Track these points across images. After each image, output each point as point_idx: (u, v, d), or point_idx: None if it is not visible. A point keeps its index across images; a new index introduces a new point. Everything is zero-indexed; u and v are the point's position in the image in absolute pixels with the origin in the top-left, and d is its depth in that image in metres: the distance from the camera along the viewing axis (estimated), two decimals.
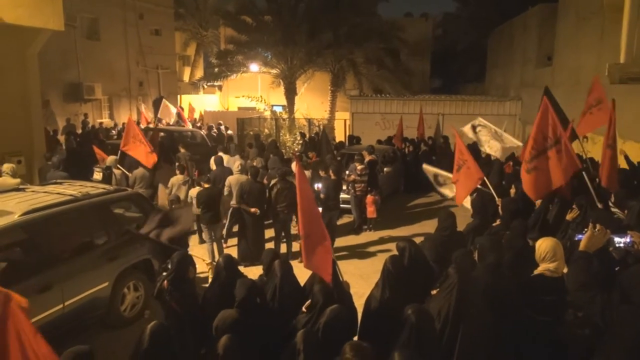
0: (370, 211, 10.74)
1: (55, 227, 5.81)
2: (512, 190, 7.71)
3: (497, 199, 7.11)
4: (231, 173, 9.80)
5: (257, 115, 21.70)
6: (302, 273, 4.89)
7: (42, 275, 5.34)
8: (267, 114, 21.35)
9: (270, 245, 8.71)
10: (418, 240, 5.38)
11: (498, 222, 6.52)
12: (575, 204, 6.05)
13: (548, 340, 3.72)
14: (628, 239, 4.12)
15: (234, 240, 9.60)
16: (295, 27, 20.16)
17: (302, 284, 4.90)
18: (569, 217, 6.01)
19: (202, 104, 27.88)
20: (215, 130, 20.12)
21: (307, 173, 10.01)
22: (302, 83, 22.46)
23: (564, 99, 10.02)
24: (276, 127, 19.46)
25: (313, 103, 23.80)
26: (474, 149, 10.77)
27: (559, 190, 7.05)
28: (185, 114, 22.71)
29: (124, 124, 20.01)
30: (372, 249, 9.75)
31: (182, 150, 12.44)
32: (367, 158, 11.54)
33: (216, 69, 23.02)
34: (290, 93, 21.76)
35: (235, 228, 9.52)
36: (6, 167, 8.04)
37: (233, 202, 9.03)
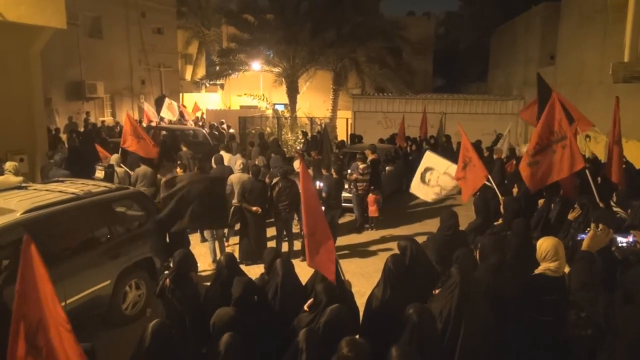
0: (372, 210, 10.73)
1: (57, 225, 5.82)
2: (515, 190, 7.70)
3: (500, 197, 7.09)
4: (231, 172, 9.79)
5: (259, 114, 21.71)
6: (303, 272, 4.88)
7: None
8: (269, 112, 21.36)
9: (271, 244, 8.71)
10: (420, 239, 5.37)
11: (500, 221, 6.51)
12: (578, 204, 6.03)
13: (550, 340, 3.71)
14: (631, 239, 4.11)
15: (235, 239, 9.60)
16: (297, 26, 20.14)
17: (303, 282, 4.90)
18: (571, 216, 5.99)
19: (204, 102, 27.90)
20: (217, 129, 20.16)
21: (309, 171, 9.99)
22: (304, 82, 22.44)
23: (567, 97, 10.00)
24: (278, 126, 19.47)
25: (315, 102, 23.80)
26: (477, 147, 10.75)
27: (563, 189, 7.06)
28: (190, 111, 22.77)
29: None
30: (373, 247, 9.74)
31: (184, 149, 12.44)
32: (370, 157, 11.53)
33: (218, 68, 23.02)
34: (293, 91, 21.74)
35: (237, 226, 9.52)
36: (8, 165, 8.05)
37: (235, 200, 9.03)
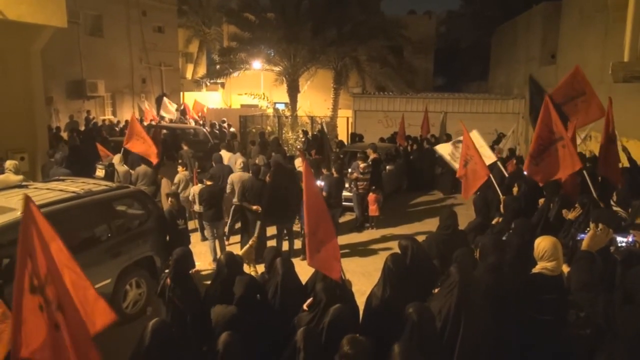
0: (373, 209, 10.73)
1: (58, 224, 5.77)
2: (515, 189, 7.69)
3: (501, 196, 7.09)
4: (230, 171, 9.79)
5: (259, 113, 21.70)
6: (303, 271, 4.89)
7: None
8: (270, 111, 21.35)
9: (272, 242, 8.71)
10: (420, 238, 5.37)
11: (499, 220, 6.51)
12: (578, 203, 6.03)
13: (549, 339, 3.71)
14: (630, 239, 4.10)
15: (236, 238, 9.61)
16: (298, 25, 20.13)
17: (303, 281, 4.90)
18: (571, 215, 5.99)
19: (205, 101, 27.91)
20: (217, 127, 20.16)
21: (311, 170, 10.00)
22: (304, 80, 22.43)
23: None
24: (279, 125, 19.46)
25: (316, 101, 23.79)
26: None
27: (564, 188, 7.07)
28: (192, 111, 22.83)
29: (127, 121, 20.08)
30: (374, 246, 9.75)
31: (185, 148, 12.45)
32: (372, 156, 11.53)
33: (219, 66, 23.02)
34: (293, 90, 21.74)
35: (238, 225, 9.53)
36: (9, 164, 8.06)
37: (235, 200, 9.03)
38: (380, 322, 3.95)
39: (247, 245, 6.26)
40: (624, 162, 8.72)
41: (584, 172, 6.96)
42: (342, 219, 10.93)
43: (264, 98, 21.43)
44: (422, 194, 14.18)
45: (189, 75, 32.13)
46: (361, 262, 8.79)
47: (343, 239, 9.86)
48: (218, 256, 8.01)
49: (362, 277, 7.77)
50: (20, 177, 7.52)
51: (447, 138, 16.14)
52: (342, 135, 20.28)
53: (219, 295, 4.48)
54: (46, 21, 10.31)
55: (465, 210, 8.91)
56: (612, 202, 6.82)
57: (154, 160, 9.97)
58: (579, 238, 4.71)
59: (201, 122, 22.36)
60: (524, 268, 4.18)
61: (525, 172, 8.93)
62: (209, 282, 5.72)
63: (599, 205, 6.16)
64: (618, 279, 3.84)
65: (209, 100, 28.76)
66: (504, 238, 5.41)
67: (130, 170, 10.17)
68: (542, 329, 3.72)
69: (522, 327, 3.76)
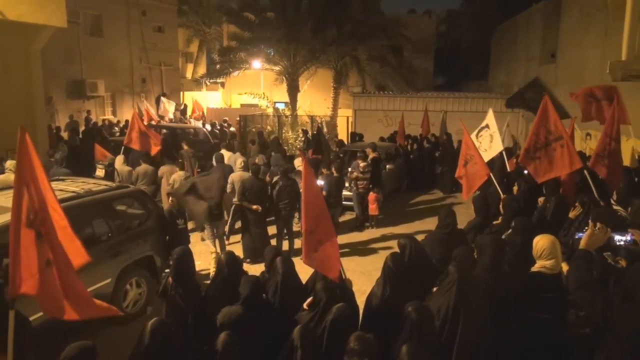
0: (372, 208, 10.74)
1: None
2: (515, 188, 7.69)
3: (501, 195, 7.09)
4: (231, 170, 9.79)
5: (259, 112, 21.70)
6: (304, 270, 4.89)
7: None
8: (270, 111, 21.35)
9: (272, 242, 8.72)
10: (420, 237, 5.38)
11: (500, 220, 6.51)
12: (578, 202, 6.04)
13: (549, 338, 3.72)
14: (629, 237, 4.10)
15: (236, 237, 9.62)
16: (298, 24, 20.13)
17: (304, 281, 4.91)
18: (571, 214, 6.00)
19: (205, 101, 27.91)
20: (218, 127, 20.17)
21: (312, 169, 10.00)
22: (304, 80, 22.42)
23: (568, 96, 9.98)
24: (279, 124, 19.46)
25: (316, 100, 23.79)
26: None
27: (563, 188, 7.08)
28: (192, 111, 22.87)
29: (127, 120, 20.08)
30: (374, 246, 9.76)
31: (185, 147, 12.45)
32: (371, 155, 11.54)
33: (219, 66, 23.01)
34: (293, 90, 21.73)
35: (238, 225, 9.54)
36: (9, 164, 8.07)
37: (235, 199, 9.04)
38: (380, 321, 3.95)
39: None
40: (625, 162, 8.72)
41: (584, 171, 6.96)
42: (342, 218, 10.94)
43: (264, 97, 21.43)
44: (422, 193, 14.19)
45: (189, 75, 32.13)
46: (361, 262, 8.79)
47: (343, 238, 9.87)
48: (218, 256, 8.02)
49: (362, 276, 7.77)
50: None
51: (447, 137, 16.18)
52: (342, 134, 20.27)
53: (220, 294, 4.49)
54: (46, 21, 10.32)
55: (465, 209, 8.91)
56: (612, 201, 6.82)
57: (154, 150, 10.10)
58: (576, 237, 4.71)
59: (201, 121, 22.36)
60: (523, 267, 4.19)
61: (526, 171, 8.97)
62: (208, 282, 5.73)
63: (599, 204, 6.16)
64: (618, 278, 3.84)
65: (208, 100, 28.77)
66: (503, 237, 5.42)
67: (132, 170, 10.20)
68: (541, 328, 3.72)
69: (522, 326, 3.77)
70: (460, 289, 3.55)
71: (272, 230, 9.11)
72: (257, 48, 21.38)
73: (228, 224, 9.63)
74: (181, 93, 27.80)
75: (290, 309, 4.35)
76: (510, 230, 5.47)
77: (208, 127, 20.54)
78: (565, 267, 4.12)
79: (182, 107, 24.96)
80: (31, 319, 4.33)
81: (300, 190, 8.59)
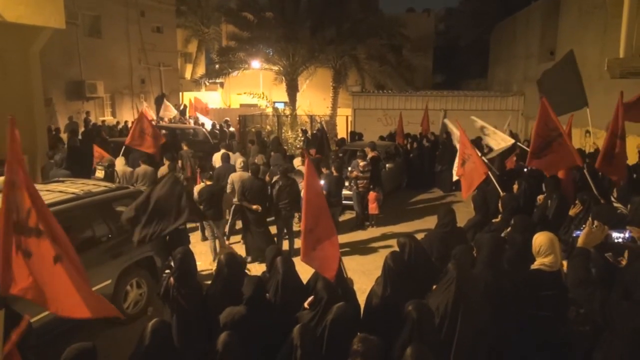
0: (372, 207, 10.74)
1: None
2: (515, 187, 7.69)
3: (501, 193, 7.09)
4: (233, 170, 9.80)
5: (259, 112, 21.70)
6: (304, 270, 4.89)
7: None
8: (269, 110, 21.35)
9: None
10: (420, 236, 5.38)
11: (499, 218, 6.51)
12: (578, 199, 6.04)
13: (549, 336, 3.72)
14: (627, 234, 4.09)
15: (236, 237, 9.63)
16: (297, 24, 20.13)
17: (304, 280, 4.91)
18: (572, 212, 6.00)
19: (205, 101, 27.91)
20: (217, 127, 20.15)
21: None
22: (304, 79, 22.43)
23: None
24: (278, 124, 19.46)
25: (315, 99, 23.78)
26: (477, 144, 10.73)
27: (562, 186, 7.09)
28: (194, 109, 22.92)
29: (126, 121, 20.08)
30: (374, 245, 9.76)
31: (185, 148, 12.44)
32: (370, 154, 11.54)
33: (218, 66, 23.01)
34: (292, 89, 21.74)
35: (239, 225, 9.54)
36: None
37: (235, 199, 9.04)
38: (381, 319, 3.95)
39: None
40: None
41: (584, 169, 6.97)
42: (342, 218, 10.94)
43: (263, 97, 21.43)
44: (421, 191, 14.18)
45: (188, 75, 32.13)
46: (361, 261, 8.80)
47: (343, 238, 9.87)
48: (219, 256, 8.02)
49: (363, 275, 7.77)
50: None
51: (447, 136, 16.16)
52: (342, 133, 20.28)
53: (220, 295, 4.49)
54: (44, 22, 10.31)
55: (465, 208, 8.91)
56: (612, 199, 6.82)
57: (152, 150, 10.13)
58: (574, 235, 4.71)
59: (201, 121, 22.34)
60: (523, 265, 4.19)
61: (526, 169, 8.99)
62: (209, 282, 5.73)
63: (599, 202, 6.16)
64: (616, 275, 3.84)
65: (208, 100, 28.76)
66: (502, 235, 5.42)
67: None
68: (541, 326, 3.72)
69: (521, 324, 3.77)
70: (459, 286, 3.55)
71: (272, 230, 9.11)
72: (256, 48, 21.39)
73: (228, 224, 9.63)
74: (180, 93, 27.79)
75: (291, 309, 4.35)
76: (509, 229, 5.47)
77: (207, 123, 20.54)
78: (565, 265, 4.12)
79: (182, 107, 24.94)
80: (32, 320, 4.33)
81: (301, 190, 8.64)
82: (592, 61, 13.16)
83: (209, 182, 8.70)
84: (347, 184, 10.58)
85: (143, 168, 9.93)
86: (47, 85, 15.70)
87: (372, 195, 10.68)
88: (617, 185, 7.19)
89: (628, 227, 4.37)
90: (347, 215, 11.33)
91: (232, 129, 20.45)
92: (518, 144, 8.75)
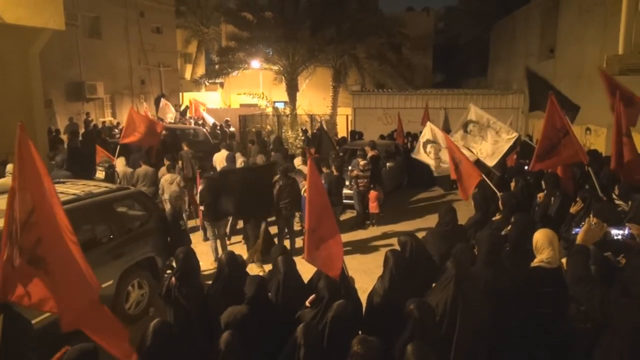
0: (373, 206, 10.74)
1: None
2: (512, 184, 7.69)
3: (498, 194, 7.09)
4: None
5: (259, 112, 21.71)
6: (305, 269, 4.89)
7: None
8: (269, 110, 21.34)
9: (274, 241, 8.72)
10: (421, 234, 5.37)
11: (498, 216, 6.50)
12: (579, 197, 6.03)
13: (549, 333, 3.71)
14: (626, 231, 4.08)
15: (237, 237, 9.63)
16: (297, 23, 20.14)
17: (305, 280, 4.91)
18: (573, 210, 6.00)
19: (204, 101, 27.90)
20: (218, 127, 20.14)
21: (305, 168, 10.00)
22: (303, 79, 22.43)
23: (567, 91, 9.96)
24: (278, 124, 19.46)
25: (315, 99, 23.78)
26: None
27: (562, 183, 7.08)
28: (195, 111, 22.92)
29: None
30: (375, 244, 9.76)
31: (185, 148, 12.45)
32: (370, 153, 11.54)
33: (217, 66, 23.01)
34: (292, 89, 21.74)
35: (240, 225, 9.54)
36: (10, 167, 8.06)
37: None
38: (382, 318, 3.96)
39: (252, 249, 6.27)
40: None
41: (588, 167, 6.94)
42: (343, 217, 10.93)
43: (263, 97, 21.42)
44: (422, 190, 14.18)
45: (187, 76, 32.12)
46: (363, 259, 8.80)
47: (344, 237, 9.82)
48: (219, 255, 8.03)
49: (364, 274, 7.77)
50: None
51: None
52: (342, 133, 20.27)
53: (221, 294, 4.49)
54: (44, 24, 10.31)
55: (466, 206, 8.89)
56: (614, 196, 6.81)
57: (150, 144, 10.18)
58: (573, 232, 4.70)
59: (201, 122, 22.35)
60: (523, 262, 4.19)
61: (526, 167, 8.98)
62: (210, 282, 5.73)
63: (600, 199, 6.15)
64: (616, 272, 3.83)
65: (208, 101, 28.77)
66: (502, 233, 5.42)
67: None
68: (541, 323, 3.72)
69: (521, 321, 3.77)
70: (458, 284, 3.56)
71: (273, 230, 9.11)
72: (256, 48, 21.40)
73: (229, 224, 9.63)
74: (180, 94, 27.78)
75: (292, 308, 4.36)
76: (510, 227, 5.46)
77: (207, 128, 20.52)
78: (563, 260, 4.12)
79: (183, 108, 24.93)
80: (33, 322, 4.34)
81: (301, 189, 8.64)
82: (592, 59, 13.15)
83: None
84: (347, 183, 10.58)
85: (144, 169, 9.94)
86: (47, 86, 15.71)
87: (372, 194, 10.69)
88: (618, 182, 7.17)
89: (627, 224, 4.37)
90: (348, 215, 11.33)
91: (232, 129, 20.45)
92: (526, 140, 8.61)
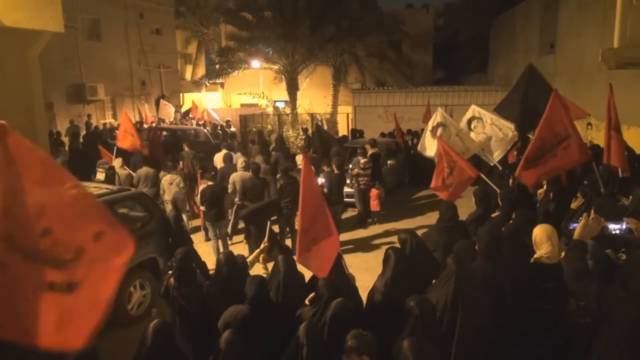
0: (374, 204, 10.73)
1: None
2: (510, 180, 7.68)
3: (497, 190, 7.08)
4: (235, 170, 9.80)
5: (259, 112, 21.71)
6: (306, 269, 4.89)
7: None
8: (270, 110, 21.35)
9: None
10: (422, 232, 5.37)
11: (497, 213, 6.50)
12: (580, 192, 6.03)
13: (549, 328, 3.71)
14: (624, 226, 4.08)
15: (239, 237, 9.63)
16: (296, 22, 20.09)
17: (306, 279, 4.91)
18: (574, 205, 5.99)
19: (205, 101, 27.91)
20: (219, 128, 20.15)
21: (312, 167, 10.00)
22: (304, 78, 22.39)
23: (567, 86, 9.96)
24: (279, 123, 19.46)
25: (315, 98, 23.76)
26: None
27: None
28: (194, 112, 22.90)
29: None
30: (376, 242, 9.77)
31: (186, 149, 12.46)
32: (370, 151, 11.53)
33: (218, 66, 22.98)
34: (292, 88, 21.71)
35: (241, 225, 9.54)
36: None
37: (237, 199, 9.05)
38: (382, 315, 3.96)
39: (258, 250, 6.24)
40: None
41: (592, 162, 6.90)
42: (344, 215, 10.94)
43: (263, 97, 21.42)
44: (423, 188, 14.10)
45: (188, 76, 32.12)
46: (364, 258, 8.80)
47: (346, 235, 9.88)
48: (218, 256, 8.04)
49: (366, 272, 7.75)
50: None
51: None
52: (343, 131, 20.26)
53: (220, 294, 4.50)
54: (43, 26, 10.29)
55: (467, 203, 8.87)
56: (614, 191, 6.81)
57: (144, 150, 10.25)
58: (571, 227, 4.70)
59: (202, 122, 22.36)
60: (523, 258, 4.19)
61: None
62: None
63: (600, 194, 6.14)
64: (614, 267, 3.84)
65: (208, 101, 28.77)
66: (503, 229, 5.41)
67: (132, 173, 10.20)
68: (541, 318, 3.72)
69: (522, 317, 3.77)
70: (458, 280, 3.56)
71: (274, 230, 9.11)
72: (256, 47, 21.36)
73: (230, 224, 9.64)
74: (181, 95, 27.78)
75: (292, 307, 4.36)
76: (511, 222, 5.46)
77: (207, 128, 20.51)
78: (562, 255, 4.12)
79: (182, 108, 24.94)
80: None
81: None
82: (591, 53, 13.11)
83: (210, 183, 8.72)
84: (348, 181, 10.57)
85: (144, 170, 9.96)
86: (48, 89, 15.72)
87: (373, 192, 10.68)
88: (618, 177, 7.15)
89: (625, 218, 4.36)
90: (349, 213, 11.33)
91: (233, 128, 20.46)
92: (529, 136, 8.42)
